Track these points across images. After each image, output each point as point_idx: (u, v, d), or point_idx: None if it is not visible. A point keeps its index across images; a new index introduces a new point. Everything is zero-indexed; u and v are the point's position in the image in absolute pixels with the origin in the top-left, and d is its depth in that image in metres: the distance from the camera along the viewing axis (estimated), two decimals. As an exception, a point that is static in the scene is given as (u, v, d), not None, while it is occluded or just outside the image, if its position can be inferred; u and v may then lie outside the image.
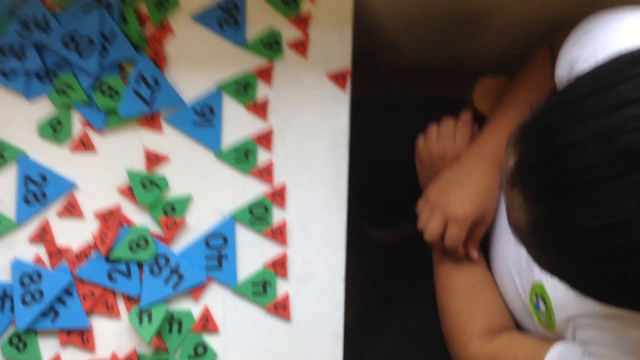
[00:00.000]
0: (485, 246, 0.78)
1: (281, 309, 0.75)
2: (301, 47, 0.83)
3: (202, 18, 0.84)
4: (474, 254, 0.76)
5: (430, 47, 1.07)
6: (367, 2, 0.91)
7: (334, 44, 0.84)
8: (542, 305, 0.63)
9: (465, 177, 0.75)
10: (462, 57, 1.07)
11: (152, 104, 0.80)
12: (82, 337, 0.74)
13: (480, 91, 0.87)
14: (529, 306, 0.66)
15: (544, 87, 0.79)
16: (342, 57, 0.83)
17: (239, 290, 0.75)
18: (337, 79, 0.83)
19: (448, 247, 0.74)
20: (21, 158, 0.79)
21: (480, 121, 0.83)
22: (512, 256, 0.71)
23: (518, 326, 0.73)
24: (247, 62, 0.83)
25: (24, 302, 0.74)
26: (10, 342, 0.74)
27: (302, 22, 0.84)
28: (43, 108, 0.81)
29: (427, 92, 1.05)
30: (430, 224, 0.74)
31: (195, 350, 0.74)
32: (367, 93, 0.98)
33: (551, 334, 0.64)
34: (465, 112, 0.85)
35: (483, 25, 0.98)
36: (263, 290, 0.75)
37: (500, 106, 0.80)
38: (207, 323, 0.75)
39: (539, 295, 0.64)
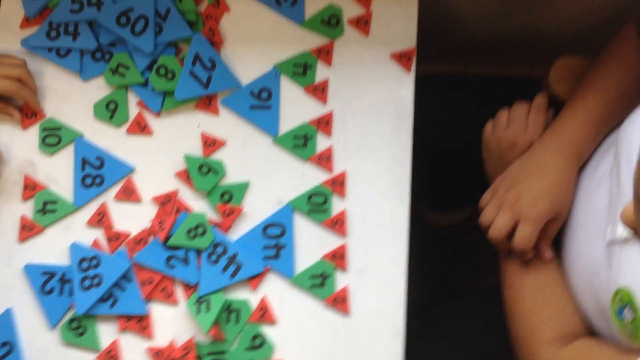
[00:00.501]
0: (556, 243, 0.74)
1: (340, 303, 0.72)
2: (363, 24, 0.79)
3: (259, -8, 0.80)
4: (547, 254, 0.71)
5: (498, 19, 0.99)
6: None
7: (398, 20, 0.78)
8: (628, 314, 0.59)
9: (538, 171, 0.69)
10: (532, 31, 0.99)
11: (209, 86, 0.77)
12: (140, 324, 0.74)
13: (558, 72, 0.80)
14: (608, 312, 0.62)
15: (630, 70, 0.72)
16: (407, 35, 0.78)
17: (296, 281, 0.74)
18: (402, 59, 0.78)
19: (517, 248, 0.69)
20: (78, 140, 0.78)
21: (557, 107, 0.77)
22: (589, 257, 0.66)
23: (591, 333, 0.69)
24: (306, 41, 0.79)
25: (83, 287, 0.74)
26: (69, 326, 0.75)
27: (364, -3, 0.79)
28: (98, 88, 0.79)
29: (493, 71, 0.99)
30: (497, 221, 0.69)
31: (253, 341, 0.73)
32: (428, 70, 0.92)
33: (636, 344, 0.60)
34: (539, 96, 0.78)
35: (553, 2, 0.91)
36: (321, 283, 0.73)
37: (579, 90, 0.74)
38: (264, 314, 0.73)
39: (625, 302, 0.59)
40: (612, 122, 0.72)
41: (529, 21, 0.99)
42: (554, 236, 0.71)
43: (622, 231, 0.60)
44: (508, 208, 0.69)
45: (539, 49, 0.91)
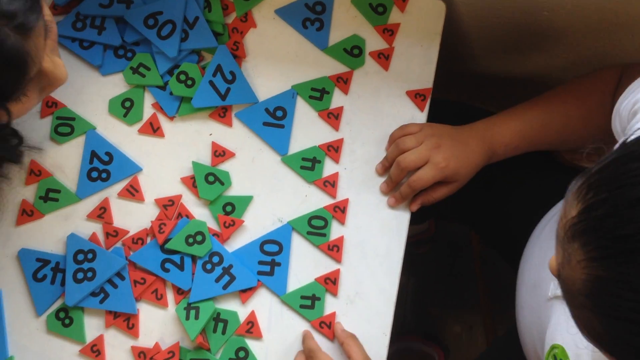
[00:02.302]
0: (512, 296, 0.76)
1: (326, 327, 0.74)
2: (384, 58, 0.81)
3: (286, 13, 0.81)
4: (415, 207, 0.77)
5: (507, 60, 1.02)
6: (455, 15, 0.87)
7: (418, 59, 0.81)
8: None
9: (461, 143, 0.75)
10: (536, 74, 1.02)
11: (226, 98, 0.78)
12: (127, 322, 0.74)
13: None
14: None
15: (587, 108, 0.75)
16: (425, 75, 0.80)
17: (286, 300, 0.75)
18: (417, 97, 0.80)
19: (412, 184, 0.74)
20: (91, 133, 0.79)
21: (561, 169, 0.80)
22: (530, 309, 0.69)
23: None
24: (326, 66, 0.81)
25: (75, 278, 0.74)
26: (56, 315, 0.75)
27: (388, 32, 0.81)
28: (116, 85, 0.80)
29: (495, 109, 1.01)
30: (413, 152, 0.74)
31: (237, 353, 0.74)
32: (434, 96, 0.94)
33: None
34: None
35: (561, 42, 0.93)
36: (311, 305, 0.75)
37: (532, 101, 0.78)
38: (251, 327, 0.74)
39: (558, 358, 0.61)
40: (539, 146, 0.78)
41: (536, 63, 1.01)
42: (433, 201, 0.76)
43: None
44: (426, 148, 0.74)
45: (543, 90, 0.93)
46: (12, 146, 0.62)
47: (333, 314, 0.74)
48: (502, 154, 0.77)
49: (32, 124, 0.79)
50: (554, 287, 0.64)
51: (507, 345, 0.88)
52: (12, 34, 0.50)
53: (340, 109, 0.80)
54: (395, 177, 0.76)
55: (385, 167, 0.77)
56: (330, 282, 0.75)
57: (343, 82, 0.80)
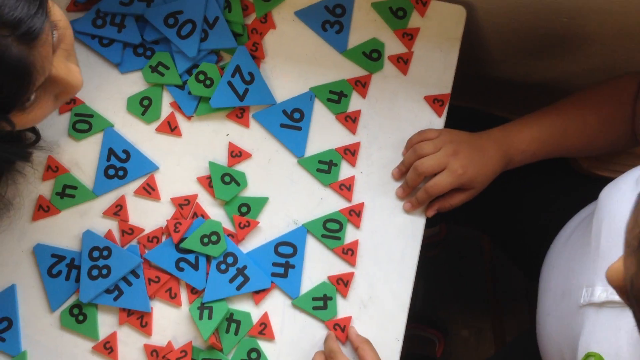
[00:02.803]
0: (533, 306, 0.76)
1: (340, 330, 0.74)
2: (403, 63, 0.80)
3: (305, 14, 0.81)
4: (432, 212, 0.77)
5: (523, 65, 1.02)
6: (474, 21, 0.86)
7: (437, 64, 0.80)
8: None
9: (478, 150, 0.75)
10: (552, 79, 1.02)
11: (244, 99, 0.78)
12: (141, 320, 0.75)
13: None
14: None
15: (604, 116, 0.75)
16: (443, 80, 0.80)
17: (298, 304, 0.75)
18: (435, 102, 0.79)
19: (428, 189, 0.74)
20: (109, 130, 0.79)
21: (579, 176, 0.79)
22: (557, 317, 0.69)
23: None
24: (345, 69, 0.80)
25: (90, 275, 0.75)
26: (70, 311, 0.75)
27: (408, 37, 0.81)
28: (135, 83, 0.80)
29: (507, 112, 1.01)
30: (431, 157, 0.74)
31: (249, 354, 0.74)
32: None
33: None
34: None
35: (579, 49, 0.93)
36: (324, 305, 0.75)
37: (550, 108, 0.78)
38: (264, 329, 0.74)
39: None
40: (556, 153, 0.77)
41: (556, 69, 1.01)
42: (449, 207, 0.76)
43: (599, 294, 0.62)
44: (444, 154, 0.74)
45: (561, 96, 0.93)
46: (22, 147, 0.61)
47: (349, 318, 0.74)
48: (519, 161, 0.77)
49: (50, 120, 0.79)
50: (586, 295, 0.64)
51: (519, 350, 0.88)
52: (15, 44, 0.48)
53: (358, 112, 0.79)
54: (412, 182, 0.76)
55: (402, 172, 0.77)
56: (342, 282, 0.75)
57: (361, 85, 0.80)
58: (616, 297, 0.60)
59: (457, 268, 1.34)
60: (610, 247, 0.63)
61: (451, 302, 1.34)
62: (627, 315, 0.59)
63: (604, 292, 0.62)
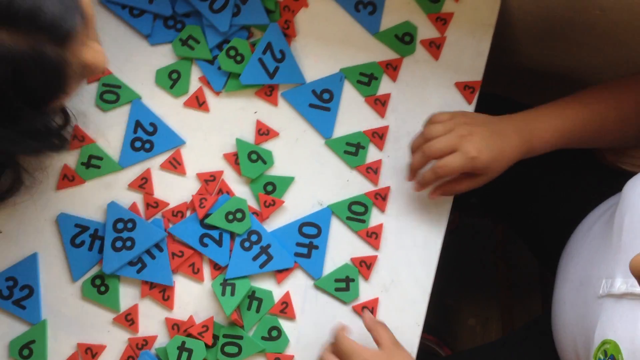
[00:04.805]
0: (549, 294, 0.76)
1: (369, 312, 0.74)
2: (435, 47, 0.80)
3: (338, -6, 0.80)
4: (435, 196, 0.73)
5: (550, 54, 1.01)
6: (507, 8, 0.85)
7: (469, 51, 0.80)
8: None
9: (496, 133, 0.71)
10: (577, 70, 1.01)
11: (274, 77, 0.78)
12: (163, 294, 0.75)
13: None
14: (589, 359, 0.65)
15: (626, 109, 0.74)
16: (475, 67, 0.79)
17: (320, 285, 0.75)
18: (466, 89, 0.79)
19: (436, 169, 0.69)
20: (136, 102, 0.78)
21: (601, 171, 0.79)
22: (574, 306, 0.69)
23: None
24: (376, 51, 0.80)
25: (114, 247, 0.74)
26: (92, 282, 0.75)
27: (441, 21, 0.80)
28: (164, 56, 0.80)
29: (528, 100, 1.01)
30: (442, 139, 0.69)
31: (270, 332, 0.74)
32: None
33: None
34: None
35: (609, 41, 0.92)
36: (346, 287, 0.75)
37: (570, 97, 0.76)
38: (286, 308, 0.75)
39: (609, 354, 0.61)
40: (575, 144, 0.75)
41: (582, 59, 1.00)
42: (459, 192, 0.73)
43: (619, 286, 0.62)
44: (456, 136, 0.69)
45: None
46: (52, 135, 0.62)
47: (376, 300, 0.74)
48: (539, 150, 0.75)
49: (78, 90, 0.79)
50: (605, 286, 0.64)
51: (532, 334, 0.88)
52: (51, 47, 0.50)
53: (388, 95, 0.79)
54: (416, 165, 0.72)
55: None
56: (364, 265, 0.75)
57: (392, 68, 0.79)
58: (636, 290, 0.60)
59: (468, 258, 1.34)
60: (632, 240, 0.63)
61: (460, 291, 1.34)
62: None
63: (624, 284, 0.62)
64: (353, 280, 0.75)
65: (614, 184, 0.71)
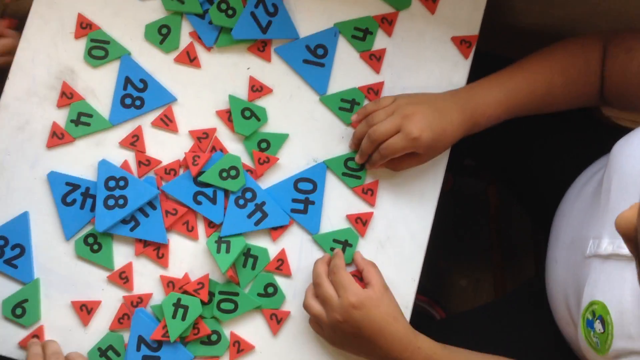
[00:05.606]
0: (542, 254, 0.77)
1: (357, 271, 0.74)
2: (431, 1, 0.78)
3: (332, -53, 0.78)
4: (374, 167, 0.73)
5: (553, 13, 0.99)
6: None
7: (466, 4, 0.78)
8: (598, 326, 0.62)
9: (439, 111, 0.70)
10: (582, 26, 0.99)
11: (267, 31, 0.76)
12: (157, 252, 0.74)
13: None
14: (577, 320, 0.65)
15: (572, 74, 0.73)
16: (471, 21, 0.78)
17: (318, 240, 0.75)
18: (462, 44, 0.78)
19: (381, 151, 0.70)
20: (125, 58, 0.76)
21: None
22: (565, 265, 0.70)
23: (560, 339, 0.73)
24: (371, 5, 0.78)
25: (106, 205, 0.73)
26: (85, 240, 0.74)
27: (437, -25, 0.78)
28: (154, 10, 0.77)
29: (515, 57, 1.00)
30: (387, 121, 0.70)
31: (266, 289, 0.74)
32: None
33: (597, 356, 0.63)
34: None
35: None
36: (342, 250, 0.74)
37: (513, 66, 0.74)
38: (281, 265, 0.74)
39: (597, 314, 0.62)
40: (521, 113, 0.74)
41: (582, 13, 0.98)
42: (401, 169, 0.74)
43: (606, 247, 0.63)
44: (399, 116, 0.70)
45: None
46: None
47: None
48: (484, 125, 0.73)
49: (66, 45, 0.77)
50: (592, 246, 0.65)
51: (525, 294, 0.89)
52: None
53: (383, 51, 0.78)
54: (366, 150, 0.72)
55: (356, 145, 0.75)
56: (360, 222, 0.75)
57: (387, 23, 0.78)
58: (622, 251, 0.61)
59: (461, 220, 1.35)
60: (619, 202, 0.63)
61: (452, 252, 1.35)
62: (632, 269, 0.60)
63: (610, 244, 0.63)
64: (351, 245, 0.74)
65: (610, 141, 0.70)
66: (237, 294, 0.73)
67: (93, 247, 0.74)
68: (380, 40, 0.78)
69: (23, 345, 0.74)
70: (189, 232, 0.75)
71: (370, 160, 0.73)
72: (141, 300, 0.73)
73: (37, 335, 0.73)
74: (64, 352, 0.72)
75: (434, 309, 1.24)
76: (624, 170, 0.64)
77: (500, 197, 1.23)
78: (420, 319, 0.76)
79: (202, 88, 0.77)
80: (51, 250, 0.75)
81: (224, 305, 0.73)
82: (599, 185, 0.68)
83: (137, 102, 0.76)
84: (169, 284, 0.74)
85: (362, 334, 0.67)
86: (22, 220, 0.75)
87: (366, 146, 0.72)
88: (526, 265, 1.24)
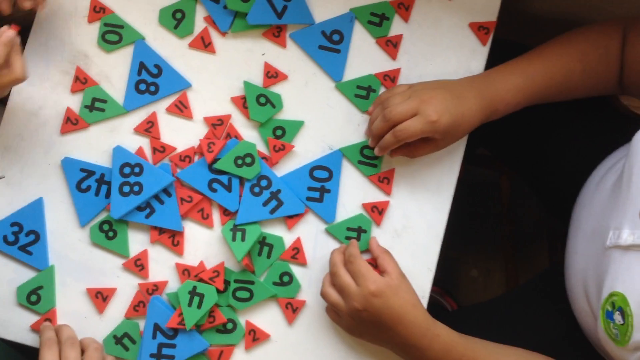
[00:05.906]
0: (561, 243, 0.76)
1: (373, 259, 0.73)
2: (449, -14, 0.77)
3: None
4: (396, 154, 0.72)
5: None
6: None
7: (484, -9, 0.77)
8: (618, 317, 0.61)
9: (457, 98, 0.69)
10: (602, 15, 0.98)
11: (282, 17, 0.75)
12: (173, 239, 0.74)
13: None
14: (597, 311, 0.65)
15: (590, 62, 0.72)
16: (490, 7, 0.77)
17: (331, 231, 0.74)
18: (480, 30, 0.77)
19: (396, 133, 0.68)
20: (139, 43, 0.76)
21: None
22: (585, 256, 0.69)
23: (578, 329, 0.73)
24: (388, -9, 0.77)
25: (121, 191, 0.73)
26: (100, 227, 0.74)
27: (455, -41, 0.77)
28: (168, -6, 0.77)
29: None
30: (403, 103, 0.68)
31: (281, 277, 0.74)
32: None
33: (618, 347, 0.62)
34: None
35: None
36: (357, 237, 0.74)
37: (532, 53, 0.73)
38: (297, 254, 0.74)
39: (617, 306, 0.61)
40: (540, 100, 0.73)
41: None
42: (414, 156, 0.72)
43: (626, 237, 0.62)
44: (418, 100, 0.68)
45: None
46: None
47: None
48: (502, 112, 0.72)
49: (79, 29, 0.76)
50: (613, 237, 0.64)
51: (542, 285, 0.88)
52: None
53: (399, 37, 0.77)
54: (378, 131, 0.70)
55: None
56: (376, 210, 0.74)
57: (404, 8, 0.77)
58: None
59: (472, 209, 1.34)
60: None
61: (463, 243, 1.34)
62: None
63: (631, 235, 0.62)
64: (365, 231, 0.74)
65: (628, 131, 0.69)
66: (252, 283, 0.73)
67: (108, 234, 0.74)
68: (396, 26, 0.77)
69: (35, 328, 0.73)
70: (204, 219, 0.74)
71: (382, 143, 0.70)
72: (157, 287, 0.73)
73: (50, 318, 0.73)
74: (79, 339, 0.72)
75: (445, 300, 1.23)
76: None
77: (512, 187, 1.22)
78: (433, 310, 0.75)
79: (217, 74, 0.76)
80: (66, 237, 0.75)
81: (239, 294, 0.72)
82: (620, 175, 0.67)
83: (152, 88, 0.75)
84: (184, 271, 0.73)
85: (381, 321, 0.66)
86: (36, 207, 0.74)
87: (379, 127, 0.69)
88: (538, 256, 1.24)
